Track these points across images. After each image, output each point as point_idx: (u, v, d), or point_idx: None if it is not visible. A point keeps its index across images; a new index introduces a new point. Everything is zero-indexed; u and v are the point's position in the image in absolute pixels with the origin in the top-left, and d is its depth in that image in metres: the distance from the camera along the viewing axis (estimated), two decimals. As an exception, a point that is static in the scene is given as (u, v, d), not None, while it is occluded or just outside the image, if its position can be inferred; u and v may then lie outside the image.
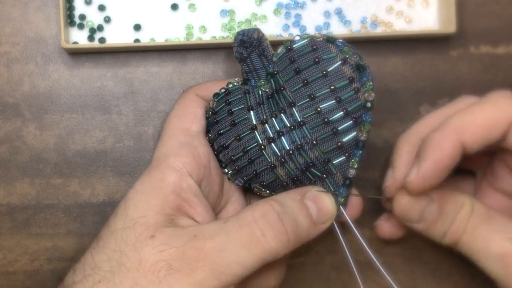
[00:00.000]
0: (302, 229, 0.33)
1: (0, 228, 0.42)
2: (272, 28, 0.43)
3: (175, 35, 0.43)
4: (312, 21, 0.43)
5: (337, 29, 0.43)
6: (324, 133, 0.34)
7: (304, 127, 0.34)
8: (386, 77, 0.44)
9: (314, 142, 0.34)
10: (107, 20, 0.42)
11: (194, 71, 0.43)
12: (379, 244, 0.43)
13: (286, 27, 0.43)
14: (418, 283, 0.43)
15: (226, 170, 0.37)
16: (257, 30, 0.36)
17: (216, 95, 0.37)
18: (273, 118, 0.35)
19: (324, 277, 0.43)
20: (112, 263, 0.31)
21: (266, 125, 0.35)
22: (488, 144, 0.33)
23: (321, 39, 0.35)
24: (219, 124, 0.36)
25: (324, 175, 0.35)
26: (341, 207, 0.35)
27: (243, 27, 0.43)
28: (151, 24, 0.43)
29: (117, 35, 0.43)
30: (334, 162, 0.35)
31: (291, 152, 0.34)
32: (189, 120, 0.36)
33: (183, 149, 0.35)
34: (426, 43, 0.44)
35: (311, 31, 0.43)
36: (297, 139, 0.34)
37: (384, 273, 0.36)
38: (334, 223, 0.35)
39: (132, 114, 0.43)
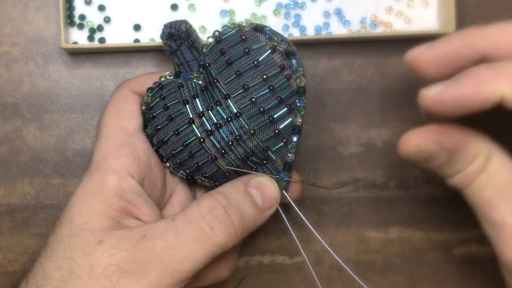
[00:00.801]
0: (249, 218, 0.34)
1: (0, 228, 0.42)
2: (272, 28, 0.43)
3: (175, 35, 0.43)
4: (312, 21, 0.43)
5: (337, 29, 0.43)
6: (261, 122, 0.35)
7: (241, 118, 0.34)
8: (386, 77, 0.44)
9: (252, 131, 0.35)
10: (107, 20, 0.42)
11: (194, 71, 0.43)
12: (378, 244, 0.43)
13: (285, 27, 0.43)
14: (417, 284, 0.43)
15: (168, 164, 0.37)
16: (184, 22, 0.36)
17: (149, 89, 0.37)
18: (209, 111, 0.35)
19: (324, 277, 0.43)
20: (62, 272, 0.31)
21: (203, 118, 0.35)
22: None
23: (248, 28, 0.35)
24: (156, 119, 0.36)
25: (265, 161, 0.35)
26: (283, 191, 0.36)
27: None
28: (151, 24, 0.43)
29: (117, 35, 0.43)
30: (273, 149, 0.35)
31: (230, 143, 0.35)
32: (125, 118, 0.36)
33: (122, 149, 0.35)
34: (426, 43, 0.44)
35: (311, 31, 0.43)
36: (235, 130, 0.35)
37: (333, 253, 0.37)
38: (278, 207, 0.36)
39: (132, 114, 0.43)
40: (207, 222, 0.32)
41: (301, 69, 0.35)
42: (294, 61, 0.35)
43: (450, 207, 0.43)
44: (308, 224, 0.36)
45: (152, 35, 0.43)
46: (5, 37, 0.43)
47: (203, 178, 0.37)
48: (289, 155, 0.36)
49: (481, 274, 0.43)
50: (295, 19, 0.43)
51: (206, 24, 0.43)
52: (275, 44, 0.34)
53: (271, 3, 0.43)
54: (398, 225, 0.43)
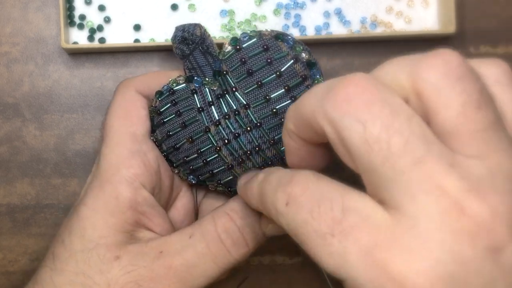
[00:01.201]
0: (261, 236, 0.34)
1: (0, 228, 0.42)
2: (272, 28, 0.43)
3: (175, 35, 0.43)
4: (312, 22, 0.43)
5: (337, 29, 0.43)
6: (281, 132, 0.34)
7: (261, 128, 0.34)
8: (386, 77, 0.44)
9: (272, 141, 0.34)
10: (107, 20, 0.42)
11: (194, 71, 0.43)
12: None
13: (286, 27, 0.43)
14: None
15: (177, 170, 0.37)
16: (199, 26, 0.35)
17: (159, 93, 0.36)
18: (227, 120, 0.35)
19: (324, 277, 0.43)
20: (76, 287, 0.31)
21: (220, 126, 0.35)
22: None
23: (269, 36, 0.34)
24: (167, 125, 0.35)
25: None
26: None
27: (243, 27, 0.43)
28: (151, 24, 0.43)
29: (117, 35, 0.43)
30: None
31: (249, 152, 0.34)
32: (133, 123, 0.35)
33: (133, 158, 0.34)
34: (426, 44, 0.43)
35: (311, 31, 0.43)
36: (254, 140, 0.34)
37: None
38: None
39: (132, 114, 0.43)
40: (224, 243, 0.33)
41: (321, 79, 0.34)
42: (315, 71, 0.34)
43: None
44: None
45: (152, 35, 0.43)
46: (5, 37, 0.43)
47: (216, 185, 0.36)
48: None
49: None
50: (295, 19, 0.43)
51: (206, 24, 0.43)
52: (297, 53, 0.34)
53: (271, 3, 0.43)
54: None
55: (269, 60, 0.34)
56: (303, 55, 0.34)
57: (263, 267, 0.43)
